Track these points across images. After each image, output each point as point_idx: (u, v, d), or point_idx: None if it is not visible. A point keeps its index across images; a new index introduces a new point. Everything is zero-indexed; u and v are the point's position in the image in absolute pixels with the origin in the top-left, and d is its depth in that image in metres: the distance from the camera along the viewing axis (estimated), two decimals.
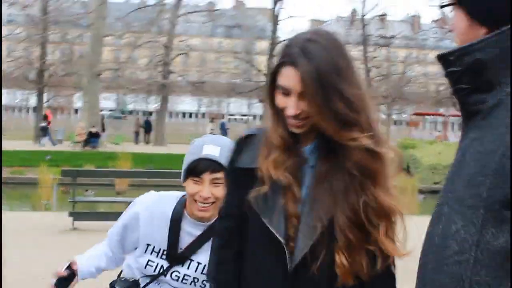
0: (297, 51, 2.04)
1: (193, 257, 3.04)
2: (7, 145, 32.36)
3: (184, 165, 2.95)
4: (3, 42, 50.46)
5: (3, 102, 67.33)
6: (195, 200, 2.92)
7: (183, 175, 2.96)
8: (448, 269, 1.53)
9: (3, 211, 16.75)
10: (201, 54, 65.39)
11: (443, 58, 1.66)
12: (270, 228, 2.08)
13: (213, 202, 2.88)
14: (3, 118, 65.15)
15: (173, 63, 46.15)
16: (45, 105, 46.05)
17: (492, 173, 1.47)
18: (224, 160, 2.64)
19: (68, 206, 12.95)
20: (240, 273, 2.22)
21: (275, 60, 2.18)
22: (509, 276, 1.45)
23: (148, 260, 3.08)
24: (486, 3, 1.60)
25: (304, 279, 2.07)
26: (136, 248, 3.16)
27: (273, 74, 2.11)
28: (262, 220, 2.09)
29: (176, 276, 3.07)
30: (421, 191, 21.77)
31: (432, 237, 1.63)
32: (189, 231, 3.03)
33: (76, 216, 11.95)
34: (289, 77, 2.07)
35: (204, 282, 3.02)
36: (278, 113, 2.12)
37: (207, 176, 2.86)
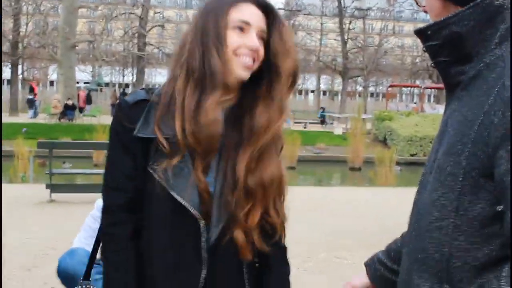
0: None
1: None
2: None
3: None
4: None
5: None
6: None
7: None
8: (429, 235, 1.59)
9: None
10: (177, 26, 64.87)
11: (421, 33, 1.69)
12: (183, 203, 1.98)
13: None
14: None
15: (149, 35, 45.78)
16: (19, 77, 45.61)
17: (470, 141, 1.51)
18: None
19: (45, 179, 12.85)
20: (138, 252, 2.06)
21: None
22: (486, 241, 1.50)
23: None
24: None
25: (218, 256, 2.04)
26: None
27: (223, 10, 2.03)
28: (171, 194, 1.98)
29: None
30: (398, 163, 21.91)
31: (417, 205, 1.69)
32: None
33: (54, 188, 11.87)
34: (251, 13, 2.05)
35: None
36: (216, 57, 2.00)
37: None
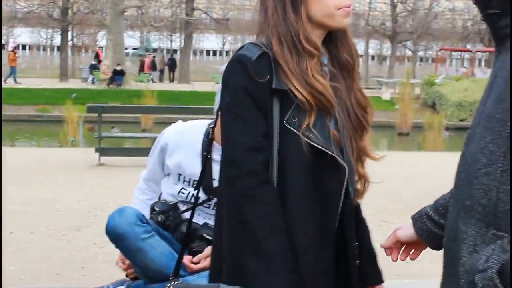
0: None
1: None
2: (32, 84, 32.58)
3: None
4: None
5: (28, 40, 67.56)
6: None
7: None
8: (477, 181, 1.59)
9: (32, 147, 16.93)
10: None
11: None
12: (335, 157, 2.06)
13: None
14: (29, 57, 65.34)
15: (197, 0, 45.77)
16: (69, 43, 46.12)
17: None
18: None
19: (94, 143, 13.05)
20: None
21: None
22: None
23: (181, 188, 3.26)
24: None
25: (351, 198, 2.19)
26: (169, 174, 3.26)
27: None
28: (320, 149, 2.02)
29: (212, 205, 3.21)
30: (447, 128, 21.66)
31: (465, 156, 1.69)
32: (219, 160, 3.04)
33: (102, 151, 12.05)
34: None
35: None
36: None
37: None
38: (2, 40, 34.30)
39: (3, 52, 37.92)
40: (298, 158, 2.02)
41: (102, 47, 49.45)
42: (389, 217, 8.07)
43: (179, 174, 3.25)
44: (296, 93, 2.01)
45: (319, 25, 2.12)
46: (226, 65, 2.10)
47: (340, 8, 2.08)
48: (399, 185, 10.25)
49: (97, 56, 41.51)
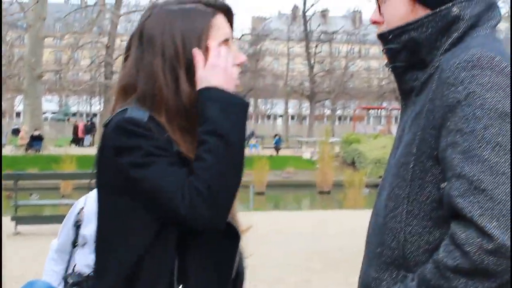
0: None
1: None
2: None
3: None
4: None
5: None
6: None
7: None
8: (386, 227, 1.66)
9: None
10: None
11: (383, 36, 1.76)
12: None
13: None
14: None
15: (116, 64, 45.66)
16: None
17: (420, 129, 1.61)
18: None
19: (11, 211, 12.71)
20: None
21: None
22: (437, 225, 1.58)
23: None
24: None
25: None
26: (85, 244, 3.18)
27: (202, 30, 1.88)
28: None
29: None
30: (367, 185, 22.02)
31: (376, 207, 1.77)
32: None
33: (19, 220, 11.73)
34: (227, 26, 1.95)
35: None
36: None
37: None
38: None
39: None
40: None
41: (19, 112, 48.69)
42: (311, 276, 8.07)
43: None
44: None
45: None
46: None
47: None
48: (320, 243, 10.30)
49: None
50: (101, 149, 1.86)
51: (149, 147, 1.77)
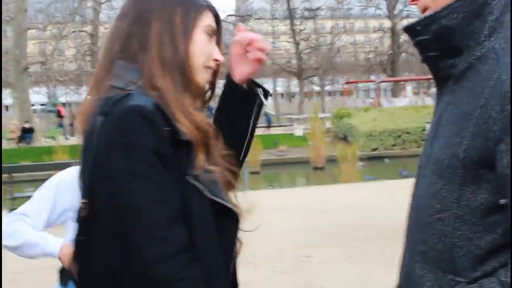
0: None
1: None
2: None
3: None
4: None
5: None
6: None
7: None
8: (431, 227, 1.62)
9: None
10: None
11: (410, 29, 1.70)
12: (223, 203, 1.84)
13: None
14: None
15: (100, 51, 45.49)
16: None
17: (469, 135, 1.53)
18: None
19: (7, 204, 12.69)
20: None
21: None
22: (488, 230, 1.55)
23: None
24: None
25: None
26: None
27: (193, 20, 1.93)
28: (214, 200, 1.82)
29: None
30: (360, 159, 22.06)
31: (415, 198, 1.73)
32: None
33: None
34: (213, 22, 2.01)
35: None
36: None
37: None
38: None
39: None
40: (201, 216, 1.81)
41: (7, 106, 48.49)
42: (310, 251, 8.12)
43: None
44: (184, 129, 1.78)
45: None
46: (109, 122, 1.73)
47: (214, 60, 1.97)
48: (317, 219, 10.35)
49: (59, 114, 42.22)
50: (101, 147, 1.74)
51: (148, 153, 1.68)
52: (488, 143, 1.50)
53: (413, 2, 1.74)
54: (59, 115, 41.41)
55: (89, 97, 1.89)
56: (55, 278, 3.34)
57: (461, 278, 1.57)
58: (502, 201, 1.51)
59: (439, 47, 1.65)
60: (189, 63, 1.89)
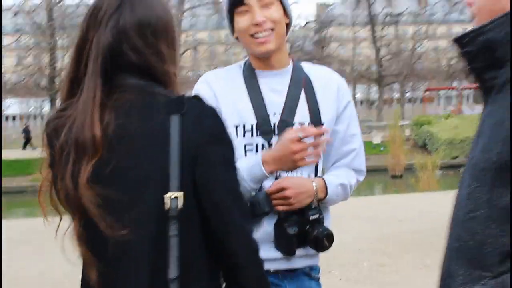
0: None
1: (293, 120, 2.56)
2: (24, 154, 32.56)
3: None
4: (13, 52, 50.79)
5: (18, 111, 67.85)
6: (252, 36, 2.52)
7: (227, 18, 2.59)
8: (465, 225, 1.74)
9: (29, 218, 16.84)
10: (210, 48, 65.24)
11: (458, 41, 1.80)
12: None
13: (272, 29, 2.50)
14: (20, 128, 65.68)
15: (182, 59, 46.15)
16: None
17: (501, 140, 1.64)
18: None
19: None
20: None
21: None
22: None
23: (245, 145, 2.56)
24: None
25: None
26: None
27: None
28: None
29: None
30: (441, 167, 21.73)
31: (457, 200, 1.84)
32: (272, 88, 2.59)
33: None
34: None
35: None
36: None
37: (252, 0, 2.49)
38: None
39: None
40: None
41: None
42: (385, 259, 8.05)
43: (236, 126, 2.55)
44: None
45: None
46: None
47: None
48: (394, 227, 10.25)
49: None
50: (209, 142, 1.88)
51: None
52: None
53: (469, 6, 1.84)
54: None
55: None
56: None
57: (488, 273, 1.67)
58: None
59: (484, 59, 1.75)
60: None
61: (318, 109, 2.59)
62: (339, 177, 2.63)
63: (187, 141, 1.81)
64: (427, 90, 55.50)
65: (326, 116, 2.60)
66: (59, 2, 43.35)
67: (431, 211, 11.50)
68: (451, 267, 1.80)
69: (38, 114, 69.88)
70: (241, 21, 2.50)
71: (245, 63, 2.65)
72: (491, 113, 1.74)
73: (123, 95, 1.86)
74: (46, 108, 53.38)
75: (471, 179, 1.74)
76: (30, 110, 66.75)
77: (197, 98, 1.90)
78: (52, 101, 44.98)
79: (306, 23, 53.89)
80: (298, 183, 2.49)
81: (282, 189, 2.43)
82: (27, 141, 42.45)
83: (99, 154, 1.80)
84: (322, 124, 2.56)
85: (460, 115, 34.26)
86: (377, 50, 55.05)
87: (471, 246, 1.72)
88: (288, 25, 2.58)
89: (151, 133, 1.84)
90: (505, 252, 1.67)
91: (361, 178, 2.78)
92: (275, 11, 2.48)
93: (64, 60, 46.75)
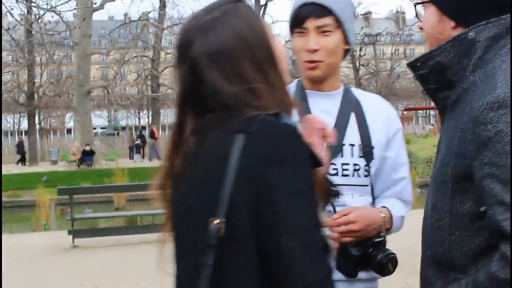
0: None
1: (343, 141, 2.54)
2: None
3: (289, 17, 2.58)
4: None
5: None
6: (304, 60, 2.53)
7: (290, 31, 2.60)
8: (433, 234, 1.95)
9: (3, 234, 16.70)
10: None
11: (411, 65, 2.05)
12: None
13: (324, 58, 2.50)
14: None
15: (162, 76, 46.09)
16: (37, 127, 45.98)
17: (453, 154, 1.86)
18: (333, 4, 2.43)
19: (67, 225, 12.91)
20: None
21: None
22: (476, 234, 1.84)
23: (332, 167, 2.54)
24: (456, 1, 1.95)
25: None
26: None
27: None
28: None
29: (333, 170, 2.50)
30: (419, 186, 21.78)
31: (425, 211, 2.04)
32: (323, 109, 2.55)
33: (76, 233, 11.90)
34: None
35: (367, 167, 2.55)
36: None
37: (310, 23, 2.47)
38: None
39: None
40: None
41: (70, 129, 49.55)
42: None
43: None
44: None
45: None
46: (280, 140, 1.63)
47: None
48: None
49: (152, 134, 41.88)
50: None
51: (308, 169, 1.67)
52: (467, 161, 1.80)
53: (421, 30, 2.08)
54: (153, 136, 41.18)
55: None
56: None
57: (462, 274, 1.85)
58: (482, 208, 1.79)
59: (436, 80, 1.98)
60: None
61: (368, 132, 2.57)
62: (396, 208, 2.59)
63: (248, 162, 1.61)
64: (405, 109, 55.83)
65: (376, 139, 2.58)
66: (39, 18, 43.26)
67: (412, 228, 11.47)
68: (426, 273, 1.98)
69: (15, 130, 69.44)
70: (297, 42, 2.53)
71: (297, 82, 2.67)
72: (446, 130, 1.95)
73: (214, 115, 1.75)
74: (24, 124, 52.99)
75: (433, 192, 1.96)
76: (8, 126, 66.28)
77: (277, 116, 1.68)
78: (30, 117, 44.72)
79: (286, 41, 54.08)
80: (367, 215, 2.43)
81: (350, 222, 2.36)
82: (23, 157, 41.77)
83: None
84: (373, 147, 2.56)
85: (438, 134, 34.50)
86: (356, 70, 55.31)
87: (441, 253, 1.91)
88: (348, 50, 2.62)
89: (214, 153, 1.68)
90: (475, 254, 1.84)
91: (409, 209, 2.73)
92: (332, 41, 2.49)
93: (42, 76, 46.68)
